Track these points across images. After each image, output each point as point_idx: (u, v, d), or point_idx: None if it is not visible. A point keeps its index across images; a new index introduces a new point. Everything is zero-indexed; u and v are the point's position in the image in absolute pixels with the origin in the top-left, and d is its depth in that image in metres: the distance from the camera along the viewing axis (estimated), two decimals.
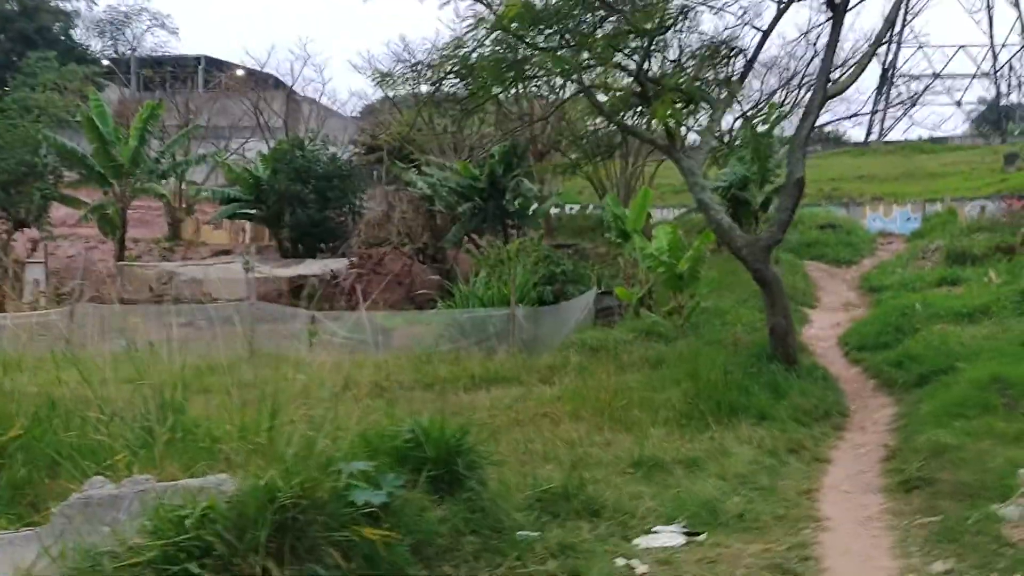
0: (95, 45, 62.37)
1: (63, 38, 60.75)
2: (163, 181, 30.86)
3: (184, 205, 34.63)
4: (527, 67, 11.30)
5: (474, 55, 10.90)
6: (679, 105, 11.38)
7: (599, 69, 12.13)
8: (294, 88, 45.47)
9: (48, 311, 18.13)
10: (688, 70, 12.00)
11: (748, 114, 21.98)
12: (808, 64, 21.54)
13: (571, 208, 36.04)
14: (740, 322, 15.76)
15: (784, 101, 27.51)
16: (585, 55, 11.20)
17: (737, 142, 24.36)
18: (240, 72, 51.35)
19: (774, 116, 21.91)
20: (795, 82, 25.80)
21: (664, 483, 6.35)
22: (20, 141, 27.23)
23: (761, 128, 21.40)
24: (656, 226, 20.89)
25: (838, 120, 66.49)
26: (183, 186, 34.65)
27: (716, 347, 12.63)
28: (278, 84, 48.53)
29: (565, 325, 17.96)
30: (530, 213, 26.86)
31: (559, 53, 10.87)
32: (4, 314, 17.72)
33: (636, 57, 11.45)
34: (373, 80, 27.50)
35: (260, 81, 47.97)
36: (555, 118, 27.71)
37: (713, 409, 8.67)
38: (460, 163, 26.68)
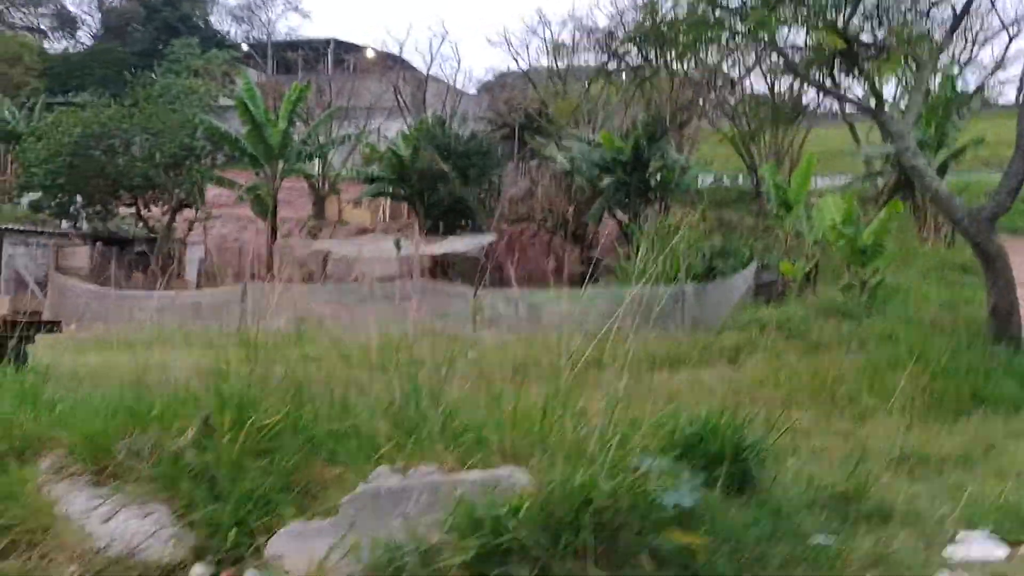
0: (232, 31, 64.78)
1: (202, 25, 63.37)
2: (310, 162, 31.62)
3: (327, 185, 35.44)
4: (725, 28, 10.71)
5: (669, 16, 10.39)
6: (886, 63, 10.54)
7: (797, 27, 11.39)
8: (429, 68, 45.83)
9: (220, 289, 18.77)
10: (894, 24, 11.12)
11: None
12: None
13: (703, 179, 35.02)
14: (928, 299, 14.72)
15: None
16: (784, 13, 10.50)
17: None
18: (371, 54, 52.25)
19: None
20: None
21: (937, 481, 5.79)
22: (179, 125, 28.36)
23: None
24: (820, 195, 19.84)
25: None
26: (324, 166, 35.48)
27: (915, 326, 11.75)
28: (403, 64, 49.11)
29: (727, 302, 17.27)
30: (674, 185, 26.11)
31: (759, 10, 10.22)
32: (170, 292, 18.42)
33: (843, 12, 10.66)
34: (550, 50, 26.92)
35: (391, 62, 48.65)
36: (699, 85, 26.82)
37: (952, 396, 7.96)
38: (604, 134, 26.11)
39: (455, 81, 43.57)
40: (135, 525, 4.70)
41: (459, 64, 55.37)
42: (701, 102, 28.22)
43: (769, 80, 26.06)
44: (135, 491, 5.24)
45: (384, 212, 35.70)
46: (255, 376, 6.40)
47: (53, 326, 9.32)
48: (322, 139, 31.72)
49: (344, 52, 57.66)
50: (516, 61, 34.60)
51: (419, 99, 45.97)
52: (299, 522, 4.40)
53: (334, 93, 37.95)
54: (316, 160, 33.43)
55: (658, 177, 25.86)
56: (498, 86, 42.93)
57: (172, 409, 5.78)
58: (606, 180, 25.10)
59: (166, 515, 4.80)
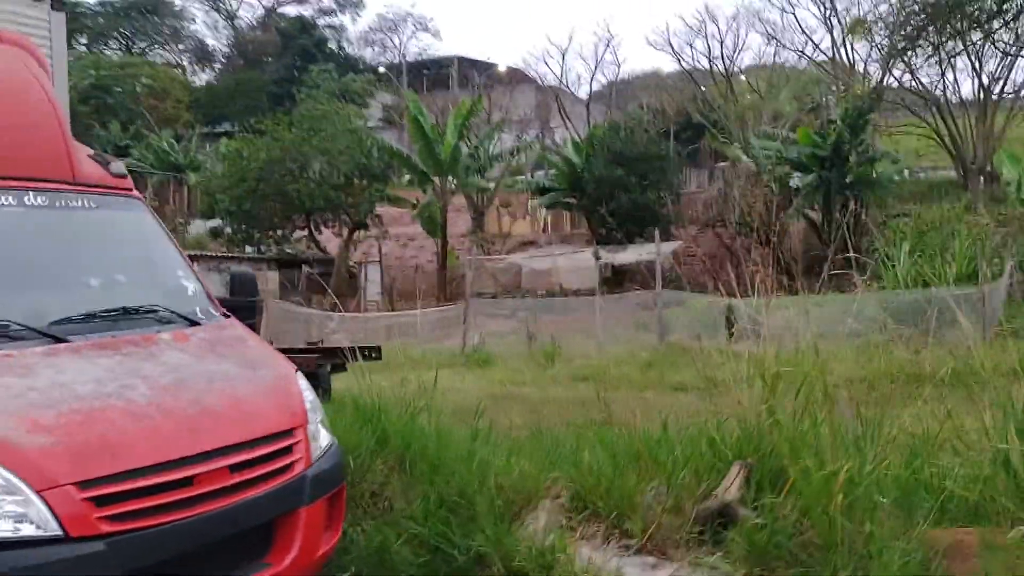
0: (365, 54, 65.87)
1: (337, 51, 64.69)
2: (478, 176, 31.32)
3: (484, 200, 35.14)
4: None
5: None
6: None
7: None
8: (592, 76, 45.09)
9: (448, 305, 18.33)
10: None
11: None
12: None
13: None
14: None
15: None
16: None
17: None
18: (502, 69, 52.13)
19: None
20: None
21: None
22: (354, 145, 28.48)
23: None
24: None
25: None
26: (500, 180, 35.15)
27: None
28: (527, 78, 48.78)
29: (997, 304, 15.68)
30: (874, 179, 24.42)
31: None
32: (413, 311, 18.05)
33: None
34: (848, 32, 25.42)
35: (519, 77, 48.51)
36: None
37: None
38: (802, 130, 24.69)
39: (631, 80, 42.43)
40: None
41: (619, 67, 55.00)
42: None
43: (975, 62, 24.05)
44: (693, 559, 4.45)
45: (546, 223, 35.10)
46: (764, 415, 5.53)
47: (372, 352, 8.79)
48: (494, 151, 31.31)
49: (469, 68, 57.78)
50: (679, 61, 33.27)
51: (545, 111, 45.51)
52: None
53: (502, 108, 37.68)
54: (479, 175, 33.14)
55: (856, 171, 24.26)
56: (617, 93, 41.92)
57: (688, 455, 5.00)
58: (807, 178, 23.66)
59: None
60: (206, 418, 3.79)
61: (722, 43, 31.75)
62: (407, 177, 33.04)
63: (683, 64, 32.57)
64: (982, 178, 24.78)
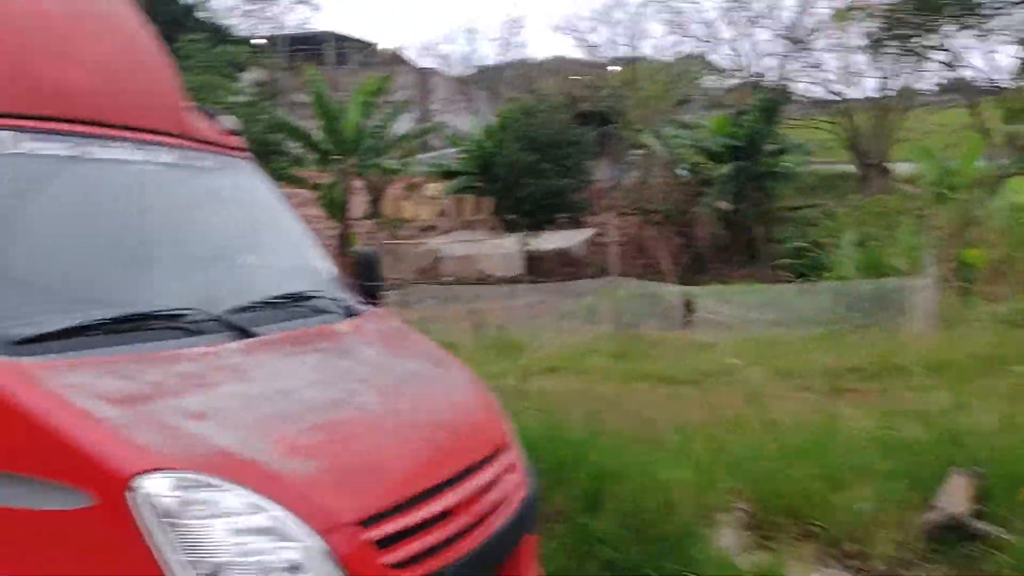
0: (240, 25, 62.44)
1: (208, 20, 60.99)
2: (380, 156, 30.10)
3: (387, 183, 33.92)
4: None
5: None
6: None
7: None
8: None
9: None
10: None
11: None
12: None
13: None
14: None
15: None
16: None
17: None
18: (386, 49, 50.85)
19: None
20: None
21: None
22: (258, 123, 26.72)
23: None
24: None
25: None
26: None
27: None
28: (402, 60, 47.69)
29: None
30: (783, 170, 25.12)
31: None
32: None
33: None
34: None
35: (396, 59, 47.39)
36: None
37: None
38: (718, 119, 25.04)
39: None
40: None
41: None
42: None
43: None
44: None
45: (447, 208, 34.30)
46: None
47: None
48: (400, 131, 30.11)
49: (345, 45, 55.94)
50: (584, 47, 33.13)
51: (423, 92, 44.59)
52: None
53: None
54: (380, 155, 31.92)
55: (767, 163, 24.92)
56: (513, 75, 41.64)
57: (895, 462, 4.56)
58: (724, 168, 24.04)
59: None
60: (444, 432, 3.07)
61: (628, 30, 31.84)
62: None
63: (588, 50, 32.53)
64: (877, 172, 26.01)
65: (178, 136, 3.57)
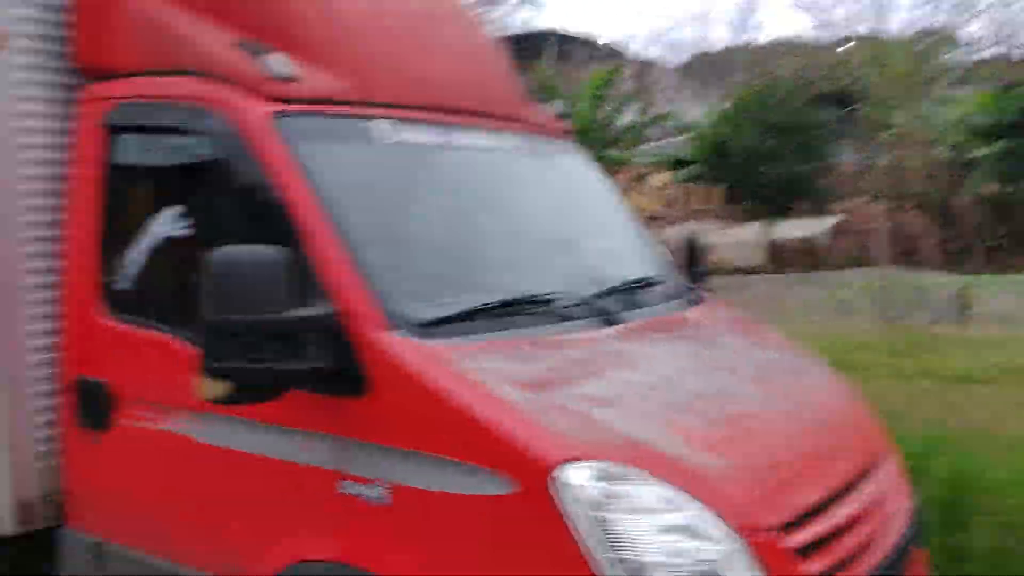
0: None
1: None
2: (608, 150, 30.00)
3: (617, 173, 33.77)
4: None
5: None
6: None
7: None
8: None
9: None
10: None
11: None
12: None
13: None
14: None
15: None
16: None
17: None
18: (609, 41, 50.64)
19: None
20: None
21: None
22: None
23: None
24: None
25: None
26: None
27: None
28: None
29: None
30: None
31: None
32: None
33: None
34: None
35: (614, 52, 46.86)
36: None
37: None
38: (981, 95, 22.68)
39: None
40: None
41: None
42: None
43: None
44: None
45: (675, 197, 33.63)
46: None
47: None
48: (623, 122, 29.86)
49: (568, 43, 56.29)
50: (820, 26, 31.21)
51: (647, 83, 43.71)
52: None
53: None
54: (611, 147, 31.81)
55: None
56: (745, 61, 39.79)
57: None
58: (994, 147, 21.70)
59: None
60: (832, 432, 2.83)
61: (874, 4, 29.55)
62: None
63: (826, 28, 30.57)
64: None
65: (519, 121, 3.58)
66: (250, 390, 2.36)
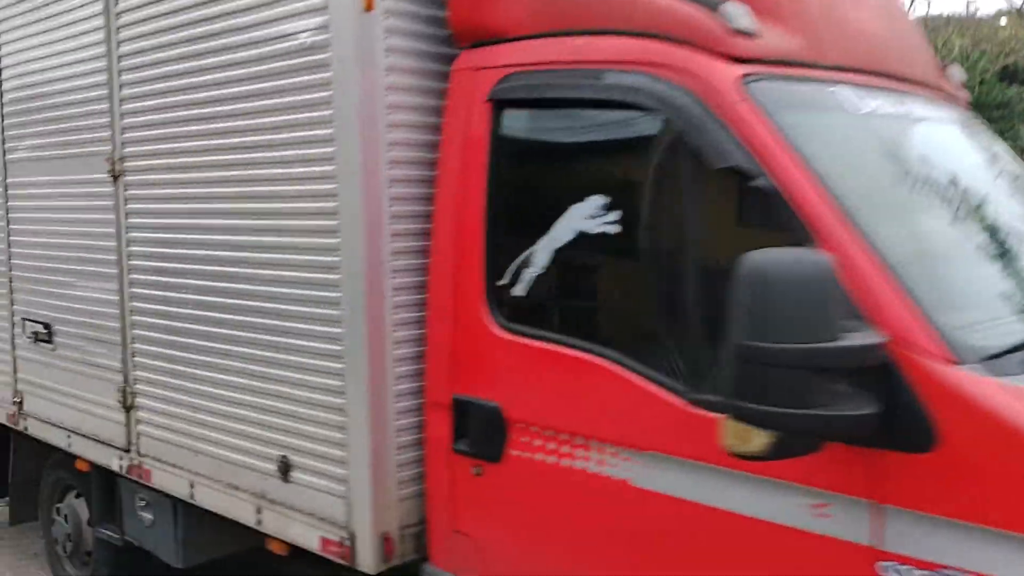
0: None
1: None
2: None
3: None
4: None
5: None
6: None
7: None
8: None
9: None
10: None
11: None
12: None
13: None
14: None
15: None
16: None
17: None
18: None
19: None
20: None
21: None
22: None
23: None
24: None
25: None
26: None
27: None
28: None
29: None
30: None
31: None
32: None
33: None
34: None
35: None
36: None
37: None
38: None
39: None
40: None
41: None
42: None
43: None
44: None
45: None
46: None
47: None
48: None
49: None
50: None
51: None
52: None
53: None
54: None
55: None
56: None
57: None
58: None
59: None
60: None
61: None
62: None
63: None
64: None
65: (935, 89, 2.93)
66: (794, 443, 1.81)
